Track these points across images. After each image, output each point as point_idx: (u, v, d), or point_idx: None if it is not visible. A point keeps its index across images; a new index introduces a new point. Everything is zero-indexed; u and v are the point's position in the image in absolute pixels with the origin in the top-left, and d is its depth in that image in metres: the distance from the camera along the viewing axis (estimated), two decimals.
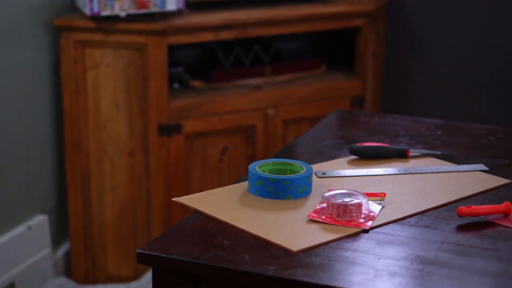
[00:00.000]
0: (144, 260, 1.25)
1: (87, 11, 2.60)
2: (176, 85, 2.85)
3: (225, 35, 2.74)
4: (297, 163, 1.49)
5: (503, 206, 1.38)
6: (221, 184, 2.76)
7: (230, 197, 1.44)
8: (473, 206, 1.36)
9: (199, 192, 1.47)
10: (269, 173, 1.48)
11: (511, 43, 3.11)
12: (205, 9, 2.84)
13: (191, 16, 2.74)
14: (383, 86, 3.26)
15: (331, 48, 3.25)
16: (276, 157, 1.64)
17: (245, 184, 1.49)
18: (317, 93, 2.92)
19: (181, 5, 2.70)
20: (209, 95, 2.79)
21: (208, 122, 2.76)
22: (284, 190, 1.42)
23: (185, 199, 1.43)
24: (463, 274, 1.18)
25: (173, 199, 1.44)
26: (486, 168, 1.60)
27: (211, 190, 1.47)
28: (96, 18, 2.63)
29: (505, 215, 1.38)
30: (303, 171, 1.46)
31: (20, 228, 2.71)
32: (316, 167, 1.59)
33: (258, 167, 1.47)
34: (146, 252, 1.24)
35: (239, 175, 2.80)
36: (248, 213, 1.38)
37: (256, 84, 2.89)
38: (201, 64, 2.95)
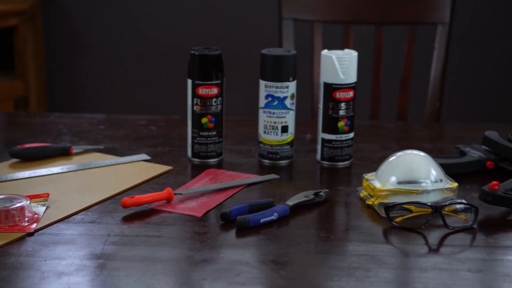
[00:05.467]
0: None
1: None
2: None
3: None
4: None
5: (165, 192, 1.42)
6: None
7: None
8: (137, 196, 1.39)
9: None
10: None
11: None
12: None
13: None
14: (48, 84, 3.21)
15: None
16: None
17: None
18: None
19: None
20: None
21: None
22: None
23: None
24: (129, 264, 1.20)
25: None
26: (148, 157, 1.63)
27: None
28: None
29: (168, 201, 1.42)
30: None
31: None
32: None
33: None
34: None
35: None
36: None
37: None
38: None
